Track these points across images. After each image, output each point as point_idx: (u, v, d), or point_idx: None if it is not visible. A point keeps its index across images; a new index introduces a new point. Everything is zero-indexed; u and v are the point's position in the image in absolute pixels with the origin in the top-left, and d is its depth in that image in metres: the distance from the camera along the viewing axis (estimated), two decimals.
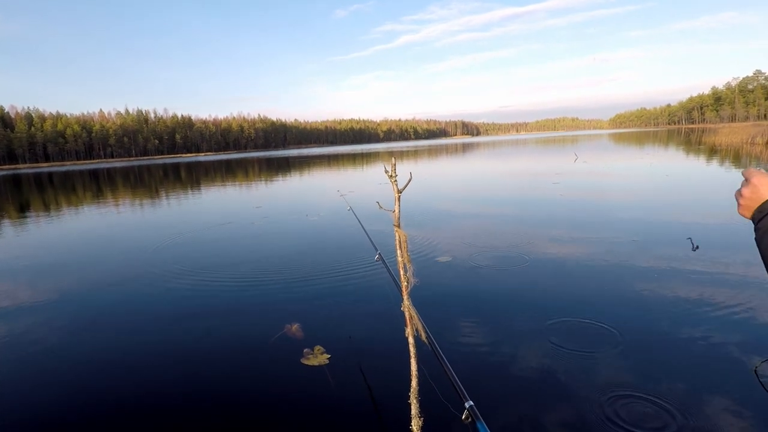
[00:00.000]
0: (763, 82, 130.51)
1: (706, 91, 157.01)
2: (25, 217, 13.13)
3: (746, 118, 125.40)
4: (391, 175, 1.87)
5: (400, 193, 1.87)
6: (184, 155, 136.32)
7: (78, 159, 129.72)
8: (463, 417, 1.57)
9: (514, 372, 2.97)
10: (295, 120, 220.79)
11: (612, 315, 3.76)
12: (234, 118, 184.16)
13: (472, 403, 1.58)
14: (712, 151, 23.45)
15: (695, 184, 11.74)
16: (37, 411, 2.90)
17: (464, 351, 3.29)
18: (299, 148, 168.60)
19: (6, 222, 12.14)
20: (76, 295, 5.26)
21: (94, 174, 41.16)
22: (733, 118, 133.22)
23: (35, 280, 6.03)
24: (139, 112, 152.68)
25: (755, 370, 2.78)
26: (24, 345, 3.92)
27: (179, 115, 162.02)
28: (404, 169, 21.05)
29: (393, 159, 1.85)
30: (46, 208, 15.24)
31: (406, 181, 1.86)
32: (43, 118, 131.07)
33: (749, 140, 28.75)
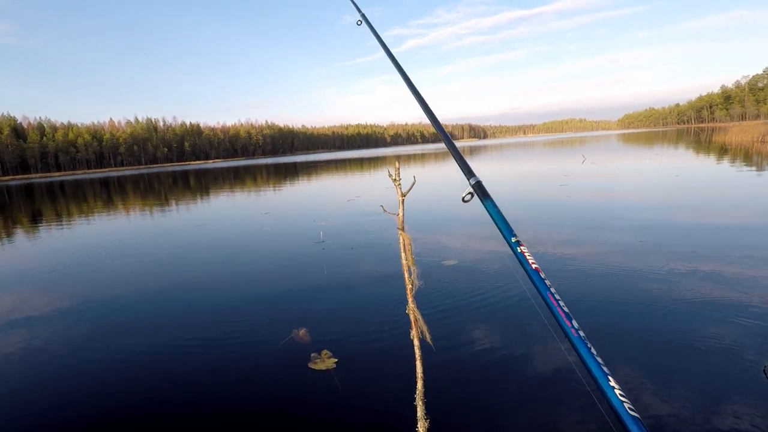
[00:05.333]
0: None
1: (716, 89, 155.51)
2: (37, 225, 13.33)
3: (757, 117, 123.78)
4: (395, 179, 1.89)
5: (404, 196, 1.89)
6: (192, 162, 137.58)
7: (89, 168, 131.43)
8: (464, 195, 1.28)
9: (523, 372, 2.96)
10: (303, 126, 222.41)
11: (620, 315, 3.74)
12: (242, 125, 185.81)
13: (479, 179, 1.27)
14: (722, 151, 23.20)
15: (705, 184, 11.62)
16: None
17: (472, 351, 3.29)
18: (307, 153, 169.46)
19: (19, 230, 12.35)
20: (88, 300, 5.33)
21: (105, 182, 41.69)
22: (743, 117, 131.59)
23: (50, 287, 6.13)
24: (149, 120, 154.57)
25: (764, 370, 2.75)
26: (42, 351, 3.99)
27: (188, 123, 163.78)
28: (411, 172, 21.06)
29: (396, 163, 1.87)
30: (58, 216, 15.47)
31: (410, 185, 1.88)
32: (54, 128, 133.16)
33: (760, 138, 28.40)
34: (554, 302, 0.97)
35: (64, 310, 5.05)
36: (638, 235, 6.37)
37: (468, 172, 1.30)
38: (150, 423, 2.77)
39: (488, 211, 1.19)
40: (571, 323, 0.93)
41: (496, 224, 1.15)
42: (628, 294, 4.23)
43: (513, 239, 1.10)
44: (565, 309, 0.95)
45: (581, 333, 0.92)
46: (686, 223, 7.06)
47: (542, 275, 1.01)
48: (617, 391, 0.84)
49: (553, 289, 0.99)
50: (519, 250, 1.07)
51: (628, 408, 0.82)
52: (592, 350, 0.90)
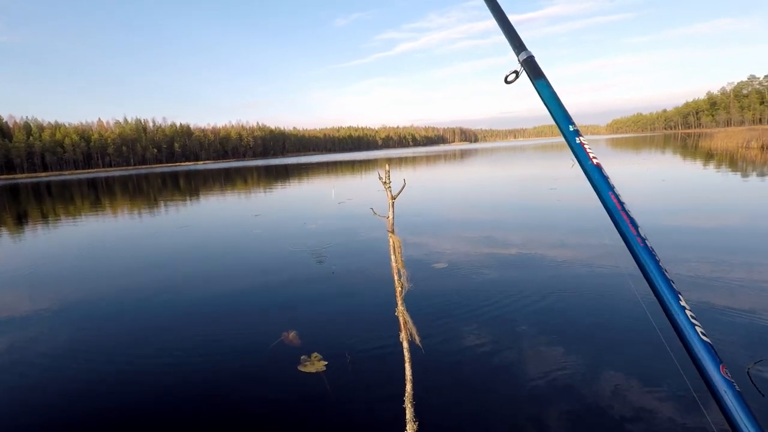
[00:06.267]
0: (758, 86, 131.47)
1: (702, 96, 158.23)
2: (22, 226, 13.12)
3: (741, 123, 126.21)
4: (385, 182, 1.89)
5: (394, 199, 1.90)
6: (182, 164, 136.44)
7: (76, 168, 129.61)
8: (507, 75, 1.04)
9: (512, 374, 2.98)
10: (294, 128, 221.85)
11: (608, 316, 3.78)
12: (233, 126, 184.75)
13: (532, 53, 1.01)
14: (708, 156, 23.59)
15: (691, 189, 11.80)
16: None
17: (461, 354, 3.30)
18: (298, 155, 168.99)
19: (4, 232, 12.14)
20: (77, 303, 5.25)
21: (93, 183, 41.16)
22: (728, 123, 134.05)
23: (36, 288, 6.03)
24: (138, 121, 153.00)
25: (748, 371, 2.80)
26: (25, 352, 3.92)
27: (178, 124, 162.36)
28: (401, 175, 21.14)
29: (387, 165, 1.88)
30: (44, 217, 15.24)
31: (400, 188, 1.89)
32: (41, 128, 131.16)
33: (744, 144, 28.93)
34: (617, 204, 0.81)
35: (51, 312, 4.98)
36: None
37: (517, 45, 1.03)
38: (139, 427, 2.74)
39: (540, 94, 0.98)
40: (637, 231, 0.79)
41: (549, 110, 0.97)
42: (617, 295, 4.27)
43: (571, 128, 0.93)
44: (630, 213, 0.80)
45: (648, 242, 0.78)
46: (673, 227, 7.16)
47: (604, 172, 0.86)
48: (688, 313, 0.72)
49: (617, 190, 0.83)
50: (578, 141, 0.90)
51: (701, 333, 0.70)
52: (661, 263, 0.76)
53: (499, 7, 1.13)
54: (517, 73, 1.02)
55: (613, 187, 0.82)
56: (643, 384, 2.76)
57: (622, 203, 0.80)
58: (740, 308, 3.78)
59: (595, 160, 0.87)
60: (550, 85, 0.96)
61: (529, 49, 1.00)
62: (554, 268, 5.30)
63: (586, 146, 0.88)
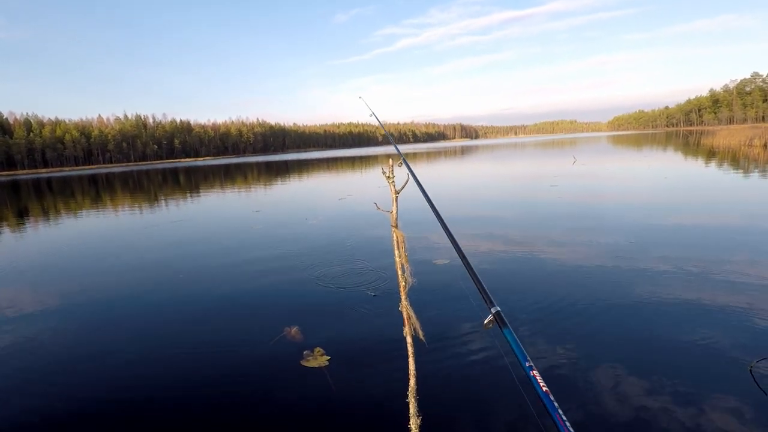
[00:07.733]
0: (761, 84, 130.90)
1: (704, 93, 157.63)
2: (23, 221, 13.12)
3: (744, 120, 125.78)
4: (388, 177, 1.89)
5: (398, 194, 1.90)
6: (182, 160, 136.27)
7: (77, 164, 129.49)
8: (486, 322, 1.38)
9: (517, 369, 2.99)
10: (294, 124, 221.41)
11: (609, 315, 3.78)
12: (233, 122, 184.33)
13: (499, 308, 1.37)
14: (710, 154, 23.52)
15: (693, 187, 11.78)
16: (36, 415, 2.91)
17: (464, 349, 3.31)
18: (298, 152, 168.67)
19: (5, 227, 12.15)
20: (76, 299, 5.26)
21: (93, 179, 41.16)
22: (731, 120, 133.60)
23: (39, 284, 6.04)
24: (138, 117, 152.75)
25: (750, 369, 2.80)
26: (30, 348, 3.93)
27: (178, 120, 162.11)
28: (403, 171, 21.07)
29: (390, 160, 1.87)
30: (45, 212, 15.25)
31: (404, 183, 1.89)
32: (41, 124, 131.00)
33: (747, 142, 28.86)
34: (561, 423, 1.05)
35: (49, 310, 4.99)
36: (628, 236, 6.44)
37: (489, 302, 1.43)
38: (141, 422, 2.75)
39: (506, 337, 1.31)
40: None
41: (512, 349, 1.27)
42: (618, 294, 4.28)
43: (527, 364, 1.22)
44: (571, 429, 1.04)
45: None
46: (675, 225, 7.15)
47: (551, 397, 1.11)
48: None
49: (560, 411, 1.08)
50: (532, 374, 1.18)
51: None
52: None
53: (476, 274, 1.59)
54: (492, 321, 1.37)
55: (558, 408, 1.06)
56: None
57: (564, 420, 1.04)
58: (741, 306, 3.79)
59: (544, 388, 1.13)
60: (512, 332, 1.31)
61: (496, 305, 1.39)
62: (555, 266, 5.30)
63: (538, 377, 1.16)
